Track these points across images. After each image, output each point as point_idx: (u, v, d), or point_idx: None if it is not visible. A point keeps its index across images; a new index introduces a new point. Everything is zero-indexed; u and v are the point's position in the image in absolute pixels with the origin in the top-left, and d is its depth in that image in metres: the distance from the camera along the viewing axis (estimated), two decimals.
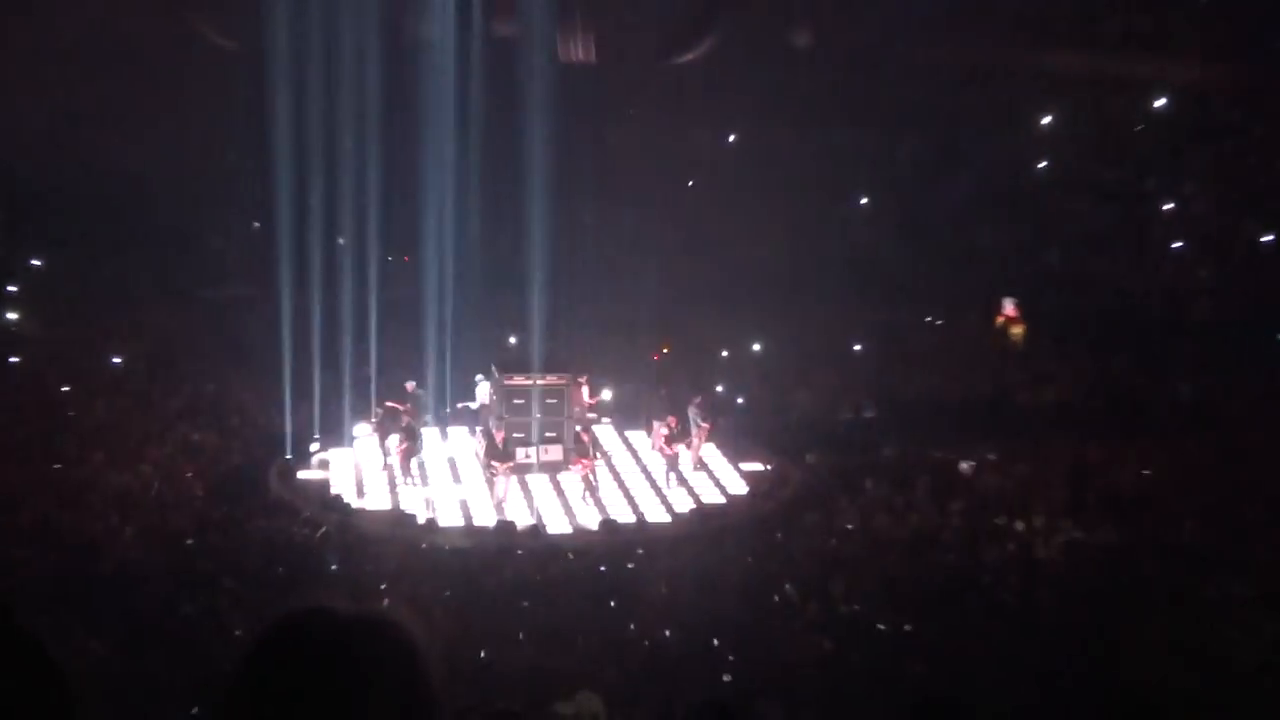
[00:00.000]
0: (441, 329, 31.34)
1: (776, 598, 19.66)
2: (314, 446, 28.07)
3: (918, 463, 26.73)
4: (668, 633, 18.24)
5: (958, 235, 34.83)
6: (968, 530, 23.00)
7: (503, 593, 19.71)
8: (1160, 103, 33.32)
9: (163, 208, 34.00)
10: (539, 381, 27.47)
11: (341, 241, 32.53)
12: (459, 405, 29.61)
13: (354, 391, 29.58)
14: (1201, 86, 32.87)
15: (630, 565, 21.54)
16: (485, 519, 24.65)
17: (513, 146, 31.90)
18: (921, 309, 34.03)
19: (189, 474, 25.65)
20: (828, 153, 34.41)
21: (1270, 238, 31.62)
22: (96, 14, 31.64)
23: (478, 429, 28.73)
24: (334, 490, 26.05)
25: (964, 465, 26.43)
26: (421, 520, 24.55)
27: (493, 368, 28.54)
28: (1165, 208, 33.79)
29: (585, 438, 26.34)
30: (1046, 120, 34.61)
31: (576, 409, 27.84)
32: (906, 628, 18.42)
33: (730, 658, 17.29)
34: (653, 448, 28.11)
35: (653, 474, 27.48)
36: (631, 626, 18.53)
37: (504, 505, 25.28)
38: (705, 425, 27.92)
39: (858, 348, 33.28)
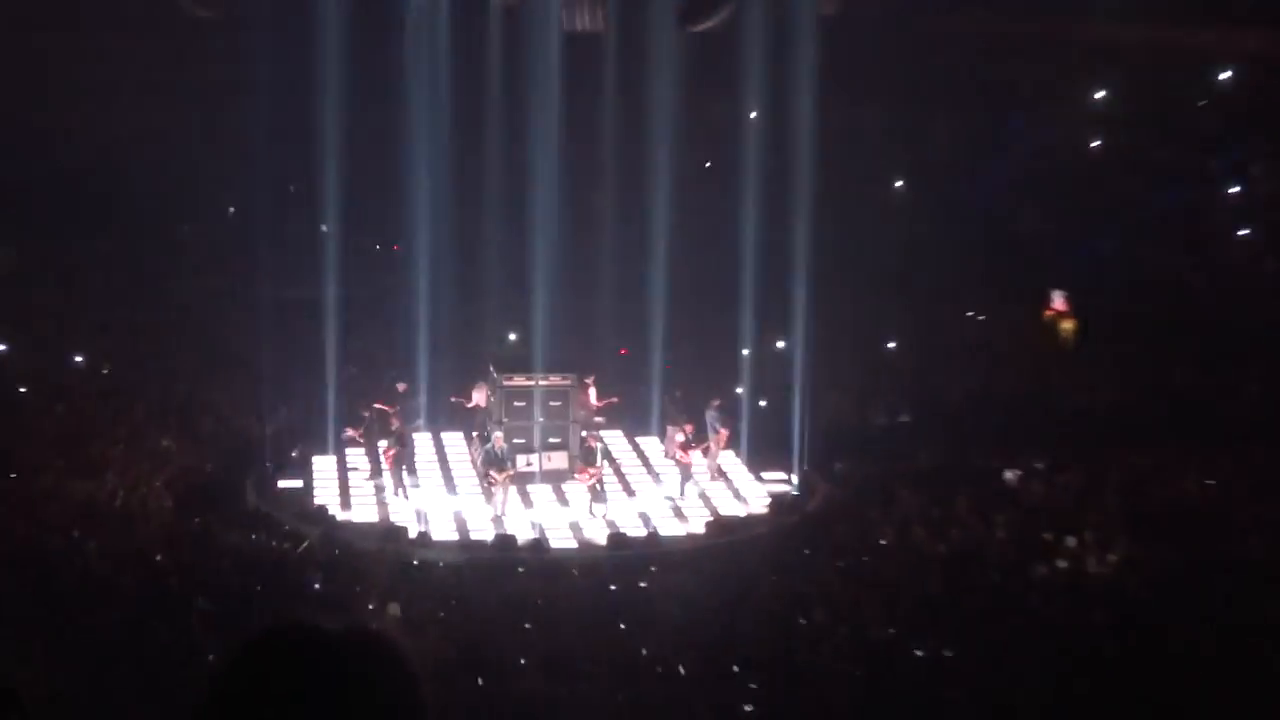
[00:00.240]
0: (435, 324, 31.32)
1: (803, 620, 19.63)
2: (294, 453, 28.07)
3: (958, 471, 26.67)
4: (683, 659, 18.22)
5: (1001, 221, 34.73)
6: (1013, 546, 22.93)
7: (502, 614, 19.70)
8: (1225, 75, 33.18)
9: (128, 193, 33.98)
10: (541, 382, 27.47)
11: (325, 229, 32.55)
12: (451, 399, 29.51)
13: (338, 393, 29.57)
14: (1272, 56, 32.71)
15: (642, 584, 21.54)
16: (483, 533, 24.65)
17: (512, 123, 31.92)
18: (962, 302, 33.93)
19: (158, 483, 25.65)
20: (857, 131, 34.32)
21: None
22: None
23: (474, 434, 28.71)
24: (316, 501, 26.06)
25: (1009, 474, 26.35)
26: (413, 534, 24.55)
27: (490, 367, 28.51)
28: (1230, 192, 33.67)
29: (592, 444, 26.33)
30: (1100, 95, 34.47)
31: (582, 412, 27.83)
32: (946, 654, 18.37)
33: (751, 686, 17.26)
34: (666, 455, 28.09)
35: (666, 484, 27.46)
36: (643, 651, 18.50)
37: (503, 518, 25.28)
38: (724, 430, 27.90)
39: (891, 345, 33.21)
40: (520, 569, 21.95)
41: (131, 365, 31.38)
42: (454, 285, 32.40)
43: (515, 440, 26.85)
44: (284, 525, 24.10)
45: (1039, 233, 34.62)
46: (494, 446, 26.02)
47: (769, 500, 27.09)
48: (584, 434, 26.86)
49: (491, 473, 25.76)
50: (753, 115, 34.10)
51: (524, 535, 24.31)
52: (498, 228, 33.93)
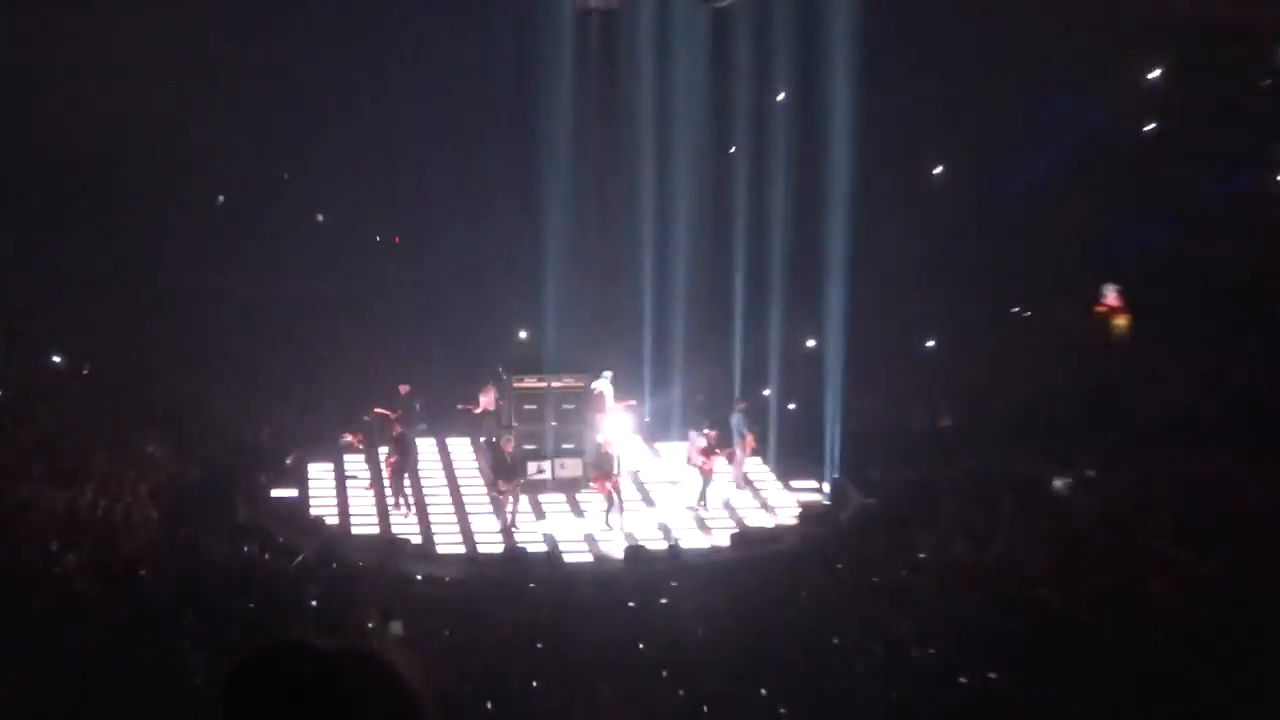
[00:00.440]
0: (440, 321, 31.35)
1: (835, 639, 19.59)
2: (289, 460, 28.10)
3: (1002, 480, 26.60)
4: (706, 681, 18.19)
5: (1049, 210, 34.62)
6: (1062, 560, 22.86)
7: (512, 632, 19.69)
8: None
9: (113, 180, 34.05)
10: (554, 384, 27.45)
11: (321, 219, 32.61)
12: (459, 406, 29.56)
13: (336, 396, 29.59)
14: None
15: (663, 600, 21.51)
16: (491, 545, 24.64)
17: (522, 102, 31.92)
18: (1006, 297, 33.85)
19: (142, 492, 25.68)
20: (893, 113, 34.25)
21: None
22: None
23: (482, 440, 28.70)
24: (313, 511, 26.08)
25: (1057, 483, 26.31)
26: (416, 546, 24.55)
27: (499, 368, 28.50)
28: None
29: (609, 450, 26.29)
30: (1155, 75, 34.37)
31: (598, 416, 27.80)
32: (989, 676, 18.31)
33: (781, 710, 17.23)
34: (688, 461, 28.07)
35: (688, 492, 27.45)
36: (664, 673, 18.48)
37: (513, 529, 25.27)
38: (750, 435, 27.86)
39: (930, 343, 33.14)
40: (531, 585, 21.92)
41: (114, 365, 31.39)
42: (461, 278, 32.40)
43: (526, 446, 26.83)
44: (277, 538, 24.09)
45: (1089, 222, 34.49)
46: (503, 453, 26.02)
47: (798, 510, 27.03)
48: (600, 439, 26.81)
49: (500, 481, 25.74)
50: (780, 97, 34.06)
51: (535, 548, 24.30)
52: (507, 217, 33.94)
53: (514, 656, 18.77)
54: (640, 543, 24.71)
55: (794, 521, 26.64)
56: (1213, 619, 20.12)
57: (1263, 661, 17.92)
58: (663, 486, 28.03)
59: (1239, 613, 20.10)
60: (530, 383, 27.51)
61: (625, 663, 18.79)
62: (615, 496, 25.85)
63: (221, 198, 36.81)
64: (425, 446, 28.92)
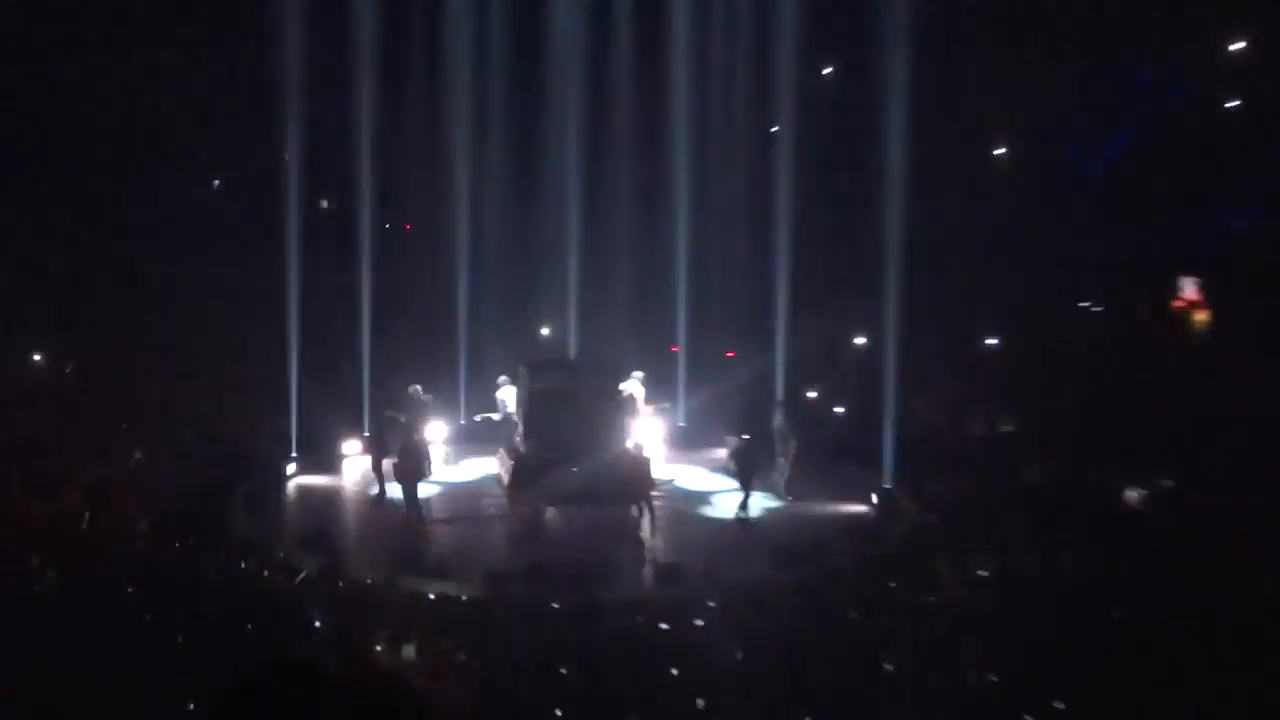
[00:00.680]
0: (456, 318, 31.45)
1: (887, 665, 19.51)
2: (290, 468, 28.25)
3: (1070, 491, 26.58)
4: (745, 711, 18.13)
5: (1120, 195, 34.55)
6: (1136, 578, 22.77)
7: (533, 656, 19.66)
8: None
9: (95, 163, 34.22)
10: (580, 384, 27.51)
11: (325, 205, 32.72)
12: (478, 418, 29.70)
13: (342, 398, 29.72)
14: None
15: (698, 622, 21.46)
16: (510, 562, 24.67)
17: (544, 83, 31.96)
18: (1074, 291, 33.83)
19: (131, 503, 25.77)
20: (950, 87, 34.25)
21: None
22: None
23: (501, 448, 28.80)
24: (317, 524, 26.17)
25: (1131, 494, 26.30)
26: (428, 562, 24.61)
27: (520, 368, 28.58)
28: None
29: (639, 456, 26.28)
30: (1237, 45, 34.24)
31: (628, 419, 27.84)
32: (1057, 705, 18.21)
33: None
34: (726, 470, 28.07)
35: (727, 503, 27.45)
36: (699, 703, 18.42)
37: (534, 544, 25.28)
38: (794, 441, 27.86)
39: (991, 342, 33.14)
40: (554, 605, 21.90)
41: (100, 366, 31.57)
42: (479, 272, 32.50)
43: (549, 453, 26.90)
44: (278, 552, 24.16)
45: (1166, 208, 34.39)
46: (524, 459, 26.07)
47: (848, 524, 27.00)
48: (630, 444, 26.84)
49: (521, 490, 25.80)
50: (826, 71, 34.07)
51: (558, 565, 24.29)
52: (530, 207, 34.07)
53: (535, 683, 18.73)
54: (674, 559, 24.72)
55: (844, 536, 26.60)
56: None
57: None
58: (700, 496, 28.07)
59: None
60: (554, 382, 27.56)
61: (656, 691, 18.74)
62: (646, 507, 25.85)
63: (216, 182, 36.98)
64: (437, 453, 29.04)
